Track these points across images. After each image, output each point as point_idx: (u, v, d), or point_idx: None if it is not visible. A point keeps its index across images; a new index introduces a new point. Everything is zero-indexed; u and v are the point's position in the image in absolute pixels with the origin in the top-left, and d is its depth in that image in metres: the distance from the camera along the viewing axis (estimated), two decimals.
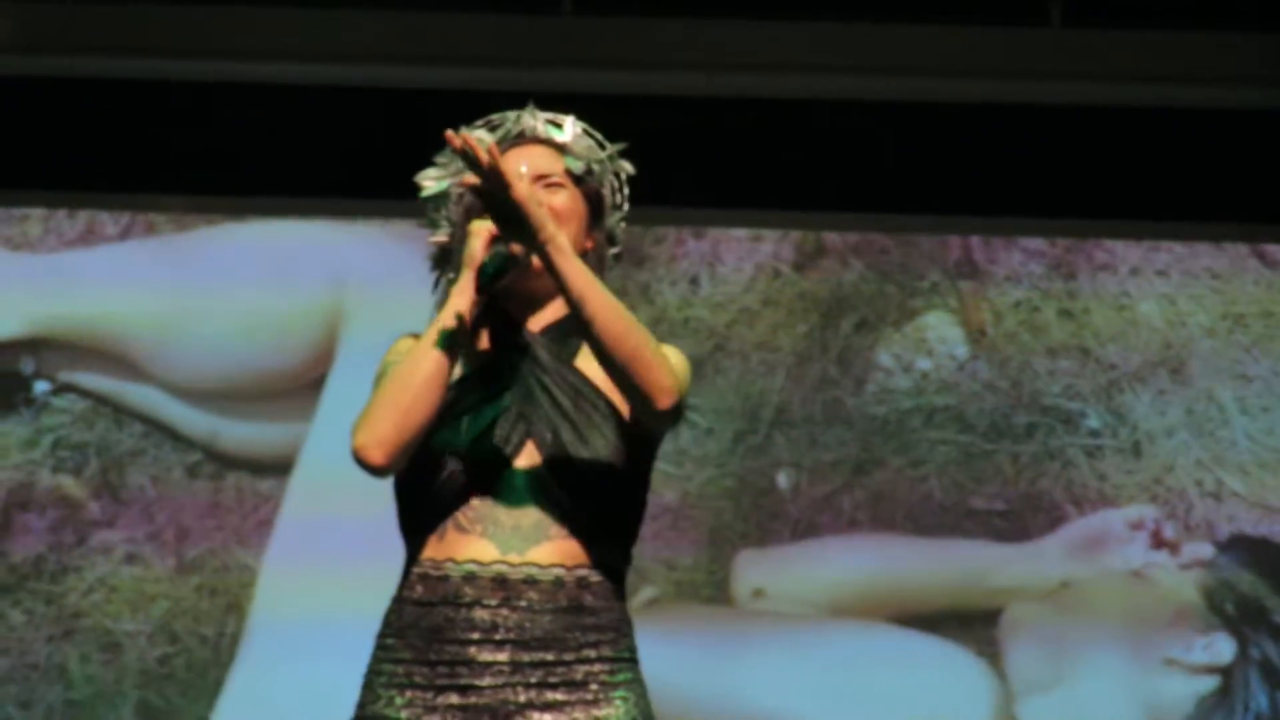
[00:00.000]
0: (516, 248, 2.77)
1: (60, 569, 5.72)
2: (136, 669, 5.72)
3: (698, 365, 5.83)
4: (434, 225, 2.94)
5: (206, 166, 5.73)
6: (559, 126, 2.94)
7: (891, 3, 5.74)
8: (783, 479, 5.88)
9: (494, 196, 2.71)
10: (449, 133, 2.73)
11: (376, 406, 2.75)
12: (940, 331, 5.95)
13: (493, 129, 2.93)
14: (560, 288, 2.74)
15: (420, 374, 2.74)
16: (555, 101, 3.00)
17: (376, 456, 2.73)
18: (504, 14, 5.70)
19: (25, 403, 5.80)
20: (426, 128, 2.96)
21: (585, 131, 2.96)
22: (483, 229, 2.79)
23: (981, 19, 5.73)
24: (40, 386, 5.81)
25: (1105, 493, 5.91)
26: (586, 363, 2.83)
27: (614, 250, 2.97)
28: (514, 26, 5.70)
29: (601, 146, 2.96)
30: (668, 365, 2.75)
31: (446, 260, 2.92)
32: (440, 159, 2.92)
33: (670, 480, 5.83)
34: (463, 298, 2.78)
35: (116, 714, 5.70)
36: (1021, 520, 5.89)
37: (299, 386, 5.79)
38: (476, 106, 3.04)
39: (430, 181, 2.93)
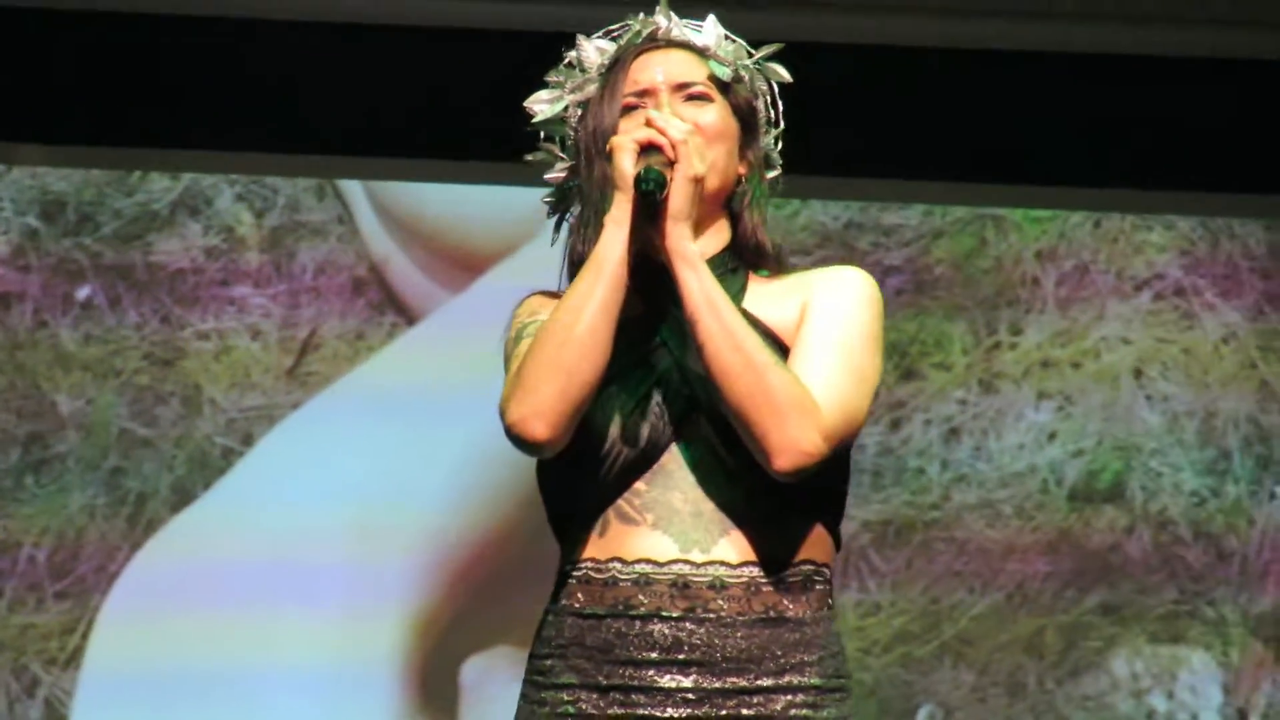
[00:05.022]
0: (671, 154, 2.45)
1: (190, 297, 5.28)
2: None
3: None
4: (547, 162, 2.64)
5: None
6: (698, 28, 2.65)
7: None
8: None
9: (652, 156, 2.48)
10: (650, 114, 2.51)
11: (531, 371, 2.44)
12: (1196, 678, 4.88)
13: (615, 38, 2.65)
14: (678, 298, 2.47)
15: (582, 325, 2.43)
16: None
17: (539, 430, 2.43)
18: None
19: None
20: None
21: (728, 35, 2.66)
22: (625, 141, 2.47)
23: None
24: None
25: None
26: (758, 302, 2.53)
27: (772, 174, 2.65)
28: None
29: (748, 52, 2.66)
30: (796, 416, 2.39)
31: (566, 201, 2.62)
32: (553, 77, 2.63)
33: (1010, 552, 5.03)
34: (620, 229, 2.45)
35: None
36: None
37: (477, 263, 5.36)
38: None
39: (543, 105, 2.63)
